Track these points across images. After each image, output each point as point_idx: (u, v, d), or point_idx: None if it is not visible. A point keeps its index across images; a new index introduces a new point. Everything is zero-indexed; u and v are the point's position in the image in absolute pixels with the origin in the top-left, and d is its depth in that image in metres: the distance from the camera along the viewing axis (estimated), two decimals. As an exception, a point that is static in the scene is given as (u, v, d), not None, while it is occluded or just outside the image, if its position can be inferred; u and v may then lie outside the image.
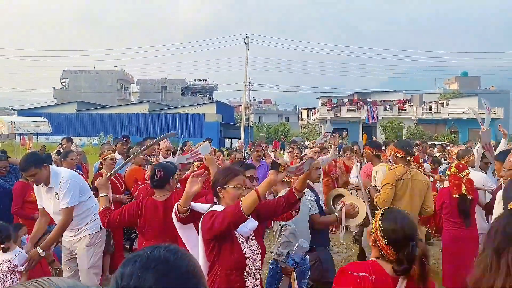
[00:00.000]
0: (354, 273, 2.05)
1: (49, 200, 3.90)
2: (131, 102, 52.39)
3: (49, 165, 3.89)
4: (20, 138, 15.82)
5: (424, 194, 4.25)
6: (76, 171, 5.78)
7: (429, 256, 2.08)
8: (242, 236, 2.64)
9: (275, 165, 2.46)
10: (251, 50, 29.88)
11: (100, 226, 4.08)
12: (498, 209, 3.78)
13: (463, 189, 4.33)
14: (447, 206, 4.47)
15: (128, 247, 6.12)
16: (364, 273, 2.04)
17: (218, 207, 2.64)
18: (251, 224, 2.62)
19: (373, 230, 2.15)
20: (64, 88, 55.51)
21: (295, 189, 2.57)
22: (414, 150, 4.61)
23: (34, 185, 3.94)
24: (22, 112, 36.07)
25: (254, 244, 2.68)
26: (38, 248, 3.61)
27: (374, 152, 5.38)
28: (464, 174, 4.37)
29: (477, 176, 4.73)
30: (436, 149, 12.34)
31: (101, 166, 6.03)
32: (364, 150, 5.63)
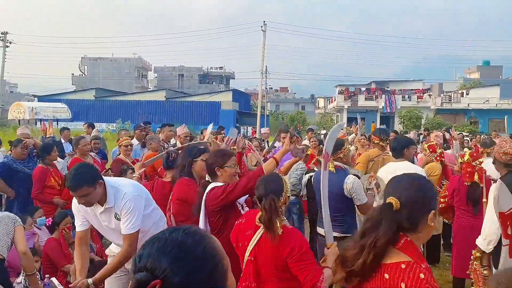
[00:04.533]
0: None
1: (105, 223, 3.04)
2: (149, 90, 52.76)
3: (103, 180, 2.94)
4: (41, 124, 16.12)
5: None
6: (91, 155, 5.95)
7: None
8: (239, 203, 3.17)
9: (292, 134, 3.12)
10: (268, 37, 29.72)
11: None
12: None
13: (476, 177, 4.34)
14: (457, 194, 4.50)
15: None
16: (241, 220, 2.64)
17: (216, 184, 3.10)
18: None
19: None
20: (83, 75, 56.16)
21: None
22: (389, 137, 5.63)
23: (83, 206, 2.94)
24: (42, 98, 36.56)
25: (246, 210, 3.19)
26: (89, 280, 2.83)
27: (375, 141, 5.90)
28: (478, 163, 4.37)
29: (492, 166, 4.68)
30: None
31: (120, 152, 6.14)
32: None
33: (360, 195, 3.85)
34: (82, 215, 3.07)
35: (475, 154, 4.51)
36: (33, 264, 3.54)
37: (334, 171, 3.93)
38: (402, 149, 4.52)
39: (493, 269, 3.25)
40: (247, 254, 2.51)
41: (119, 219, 2.96)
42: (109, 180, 3.04)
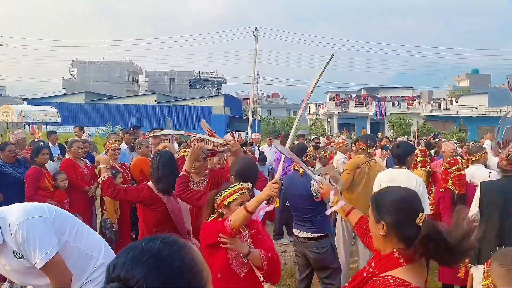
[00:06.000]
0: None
1: (7, 267, 2.37)
2: (139, 94, 52.53)
3: None
4: (29, 127, 15.98)
5: None
6: (83, 160, 5.88)
7: None
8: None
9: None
10: (260, 43, 29.76)
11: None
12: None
13: (449, 183, 4.42)
14: (443, 201, 4.59)
15: (135, 236, 6.17)
16: None
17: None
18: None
19: None
20: (73, 78, 55.76)
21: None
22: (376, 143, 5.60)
23: None
24: (31, 102, 36.22)
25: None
26: None
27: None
28: (454, 169, 4.43)
29: (482, 173, 4.72)
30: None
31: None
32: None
33: None
34: None
35: (452, 161, 4.57)
36: None
37: (302, 175, 4.01)
38: (406, 156, 4.31)
39: (477, 265, 3.35)
40: None
41: (21, 257, 2.28)
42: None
